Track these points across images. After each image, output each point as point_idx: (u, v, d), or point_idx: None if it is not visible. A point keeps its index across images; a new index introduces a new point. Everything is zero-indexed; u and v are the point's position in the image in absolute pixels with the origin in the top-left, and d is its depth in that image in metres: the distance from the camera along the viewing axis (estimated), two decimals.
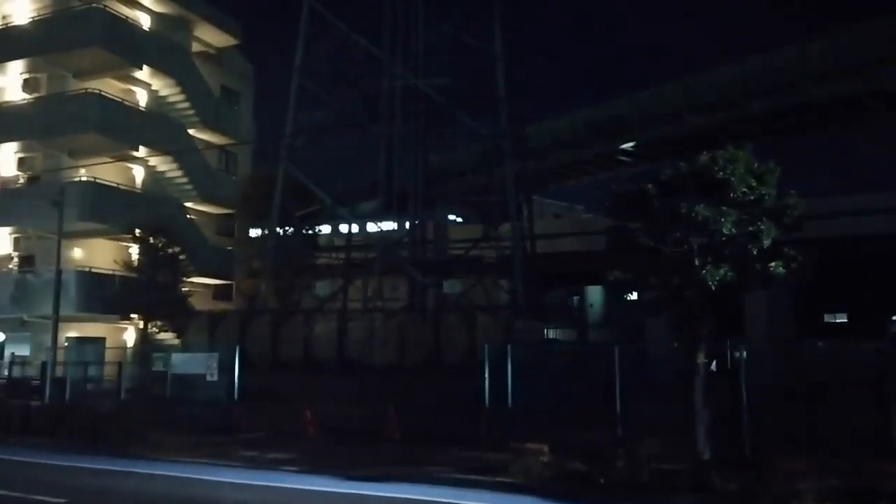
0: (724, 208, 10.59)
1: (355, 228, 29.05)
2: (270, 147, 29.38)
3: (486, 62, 25.71)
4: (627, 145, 42.93)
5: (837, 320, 47.97)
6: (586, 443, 11.44)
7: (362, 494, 10.75)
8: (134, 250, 26.37)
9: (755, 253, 10.50)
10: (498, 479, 11.08)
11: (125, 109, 28.85)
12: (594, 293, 50.30)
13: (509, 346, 15.87)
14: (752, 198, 10.75)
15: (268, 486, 11.35)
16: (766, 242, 10.39)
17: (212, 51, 34.06)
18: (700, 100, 37.28)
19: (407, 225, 26.82)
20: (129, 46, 28.65)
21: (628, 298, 13.64)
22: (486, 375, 15.29)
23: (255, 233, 30.19)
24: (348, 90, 27.19)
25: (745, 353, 12.82)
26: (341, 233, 30.52)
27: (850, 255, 32.54)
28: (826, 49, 32.75)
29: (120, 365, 18.65)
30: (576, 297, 52.13)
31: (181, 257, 25.45)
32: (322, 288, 28.73)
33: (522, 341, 18.94)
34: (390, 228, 27.26)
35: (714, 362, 14.00)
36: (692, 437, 10.47)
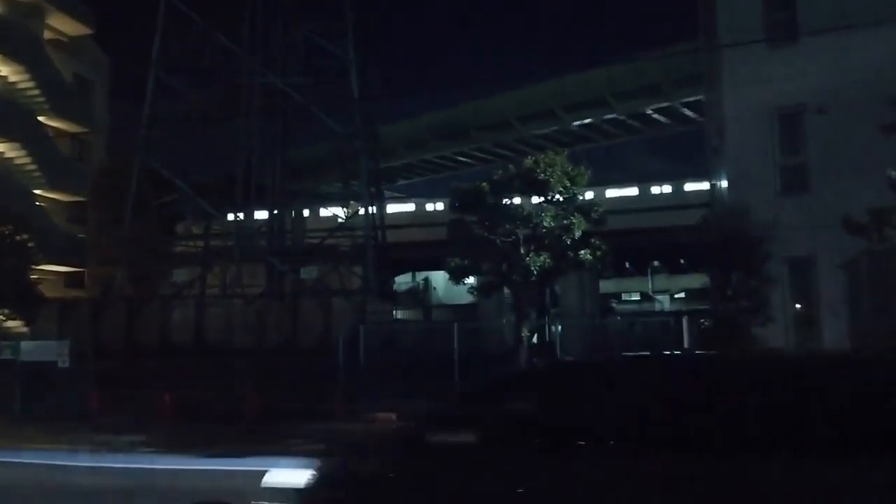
0: (545, 204, 11.27)
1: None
2: (127, 137, 26.99)
3: (342, 64, 25.30)
4: (466, 148, 44.20)
5: (633, 298, 53.99)
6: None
7: (211, 469, 10.23)
8: None
9: (569, 243, 11.25)
10: None
11: None
12: (438, 278, 51.41)
13: (361, 328, 15.82)
14: (567, 196, 11.51)
15: (118, 468, 10.47)
16: (578, 234, 11.16)
17: (65, 39, 30.65)
18: (526, 111, 39.23)
19: (266, 215, 25.86)
20: None
21: (466, 282, 14.15)
22: (341, 354, 15.16)
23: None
24: (207, 85, 25.69)
25: (560, 328, 13.79)
26: (200, 222, 28.74)
27: (640, 243, 35.89)
28: (626, 71, 35.78)
29: None
30: (421, 282, 52.93)
31: (29, 245, 22.69)
32: (180, 275, 26.92)
33: (373, 323, 18.97)
34: (249, 218, 26.09)
35: (535, 335, 14.89)
36: None
